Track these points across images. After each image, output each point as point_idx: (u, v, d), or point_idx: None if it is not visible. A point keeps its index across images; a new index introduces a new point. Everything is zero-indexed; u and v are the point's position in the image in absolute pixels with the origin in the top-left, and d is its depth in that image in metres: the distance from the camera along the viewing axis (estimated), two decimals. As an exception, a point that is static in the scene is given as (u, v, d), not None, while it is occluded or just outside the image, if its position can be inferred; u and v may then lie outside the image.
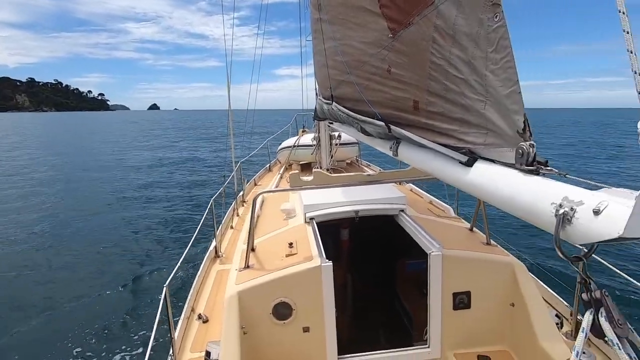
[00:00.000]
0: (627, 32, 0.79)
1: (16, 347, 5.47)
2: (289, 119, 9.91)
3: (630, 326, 0.92)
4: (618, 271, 2.83)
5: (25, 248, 9.39)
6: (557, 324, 2.72)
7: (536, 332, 2.35)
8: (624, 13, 0.79)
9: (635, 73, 0.78)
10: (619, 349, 0.88)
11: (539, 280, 3.26)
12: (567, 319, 2.87)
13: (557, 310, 2.99)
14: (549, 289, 3.22)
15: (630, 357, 0.89)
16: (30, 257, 8.83)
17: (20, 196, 15.16)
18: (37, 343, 5.56)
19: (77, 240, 10.02)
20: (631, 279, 2.69)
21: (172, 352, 2.55)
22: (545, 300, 2.92)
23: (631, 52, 0.79)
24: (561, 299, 3.08)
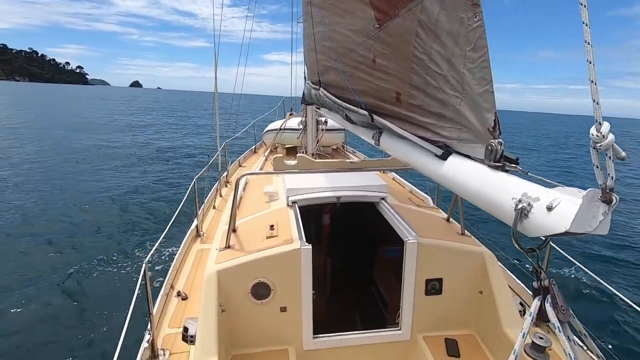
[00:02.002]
0: (588, 44, 0.84)
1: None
2: (274, 106, 9.82)
3: (572, 312, 1.02)
4: (578, 263, 3.01)
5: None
6: (520, 311, 2.88)
7: (500, 319, 2.49)
8: (587, 25, 0.85)
9: (592, 82, 0.84)
10: (559, 331, 0.98)
11: (507, 270, 3.42)
12: (529, 307, 3.05)
13: (521, 299, 3.16)
14: (515, 279, 3.39)
15: (569, 339, 0.99)
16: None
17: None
18: (9, 316, 5.53)
19: (51, 210, 9.84)
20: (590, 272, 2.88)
21: (150, 327, 2.58)
22: (511, 288, 3.07)
23: (590, 63, 0.85)
24: (526, 288, 3.25)
